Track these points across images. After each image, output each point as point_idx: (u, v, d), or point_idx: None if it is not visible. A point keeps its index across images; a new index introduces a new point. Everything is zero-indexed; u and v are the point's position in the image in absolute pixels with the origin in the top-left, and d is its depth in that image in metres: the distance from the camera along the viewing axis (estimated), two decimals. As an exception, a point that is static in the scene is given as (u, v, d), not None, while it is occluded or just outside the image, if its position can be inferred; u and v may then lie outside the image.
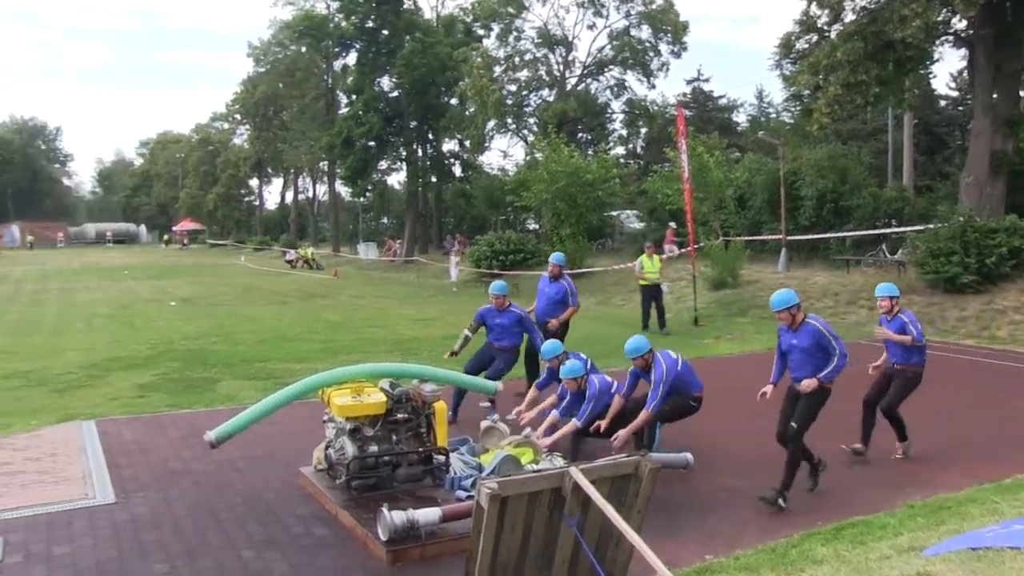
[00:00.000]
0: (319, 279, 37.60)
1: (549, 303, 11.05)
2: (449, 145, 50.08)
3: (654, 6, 41.77)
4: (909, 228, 22.12)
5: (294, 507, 6.87)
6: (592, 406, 7.80)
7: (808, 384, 6.92)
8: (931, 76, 33.87)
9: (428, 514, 5.82)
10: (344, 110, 51.38)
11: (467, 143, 46.96)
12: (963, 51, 22.11)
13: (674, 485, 7.17)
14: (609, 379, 8.11)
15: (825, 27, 21.49)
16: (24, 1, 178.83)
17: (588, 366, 8.46)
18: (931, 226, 19.53)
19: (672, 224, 27.93)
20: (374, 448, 6.87)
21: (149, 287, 32.13)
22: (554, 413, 8.23)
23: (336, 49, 50.95)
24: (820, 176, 25.85)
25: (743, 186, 28.31)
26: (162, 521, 6.55)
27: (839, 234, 24.57)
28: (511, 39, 43.94)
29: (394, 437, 7.01)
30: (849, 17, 20.80)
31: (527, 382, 10.44)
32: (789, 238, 24.36)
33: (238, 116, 76.53)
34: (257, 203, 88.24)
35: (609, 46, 44.03)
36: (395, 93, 46.38)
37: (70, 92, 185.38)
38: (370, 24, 45.99)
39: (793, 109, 41.41)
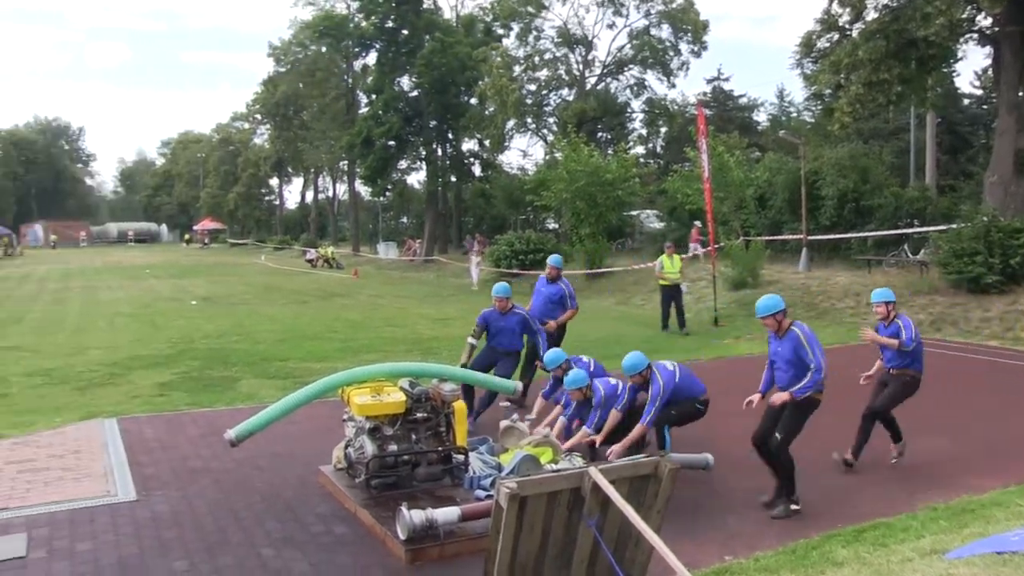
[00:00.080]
0: (339, 278, 37.72)
1: (546, 304, 10.90)
2: (469, 145, 50.14)
3: (674, 5, 41.68)
4: (932, 228, 21.92)
5: (313, 505, 6.89)
6: (600, 414, 7.75)
7: (778, 398, 6.79)
8: (955, 74, 33.61)
9: (447, 513, 5.82)
10: (364, 110, 51.53)
11: (487, 143, 46.96)
12: (988, 49, 21.84)
13: (694, 486, 7.15)
14: (614, 382, 8.04)
15: (847, 25, 21.35)
16: (50, 3, 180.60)
17: (591, 368, 8.43)
18: (954, 226, 19.34)
19: (697, 223, 27.81)
20: (393, 447, 6.88)
21: (170, 286, 32.34)
22: (561, 419, 8.20)
23: (356, 49, 51.07)
24: (841, 176, 25.69)
25: (763, 186, 28.17)
26: (182, 519, 6.59)
27: (860, 234, 24.40)
28: (531, 39, 44.00)
29: (413, 436, 7.02)
30: (871, 15, 20.65)
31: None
32: (810, 238, 24.22)
33: (259, 116, 76.93)
34: (277, 203, 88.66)
35: (629, 45, 43.97)
36: (415, 93, 46.46)
37: (93, 92, 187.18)
38: (390, 24, 46.06)
39: (814, 108, 41.23)
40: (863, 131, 31.45)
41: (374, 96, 47.75)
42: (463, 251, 43.36)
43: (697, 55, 43.03)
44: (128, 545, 6.04)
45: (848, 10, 20.96)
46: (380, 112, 45.28)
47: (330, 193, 77.45)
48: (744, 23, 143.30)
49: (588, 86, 44.43)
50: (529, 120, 45.69)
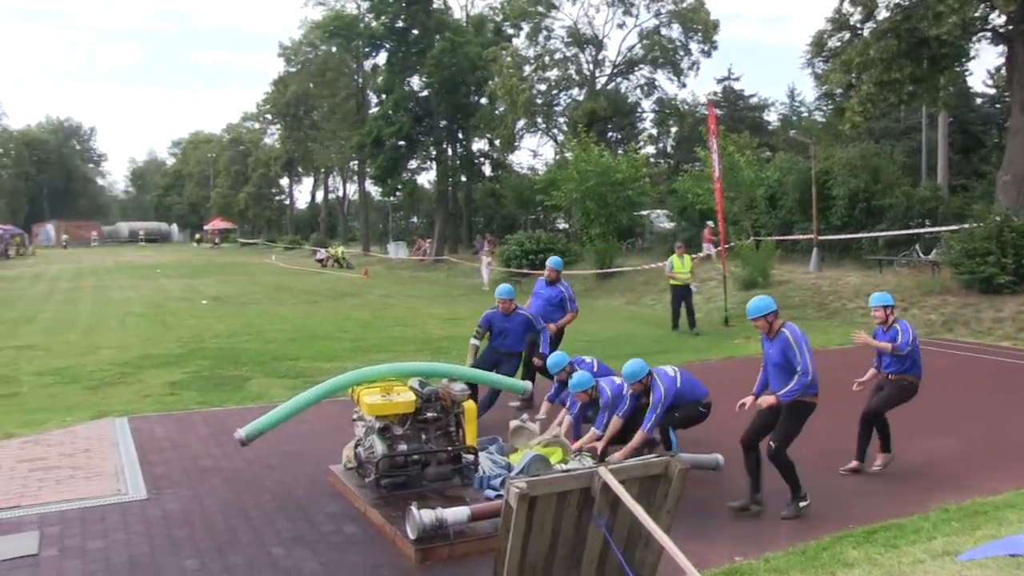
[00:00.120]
0: (349, 278, 37.78)
1: (546, 307, 10.67)
2: (479, 144, 50.15)
3: (684, 5, 41.61)
4: (943, 228, 21.80)
5: (323, 505, 6.90)
6: (609, 414, 7.73)
7: (764, 401, 6.73)
8: (967, 73, 33.41)
9: (457, 513, 5.82)
10: (374, 109, 51.60)
11: (497, 142, 46.95)
12: (1001, 47, 21.68)
13: (704, 486, 7.12)
14: (619, 381, 8.02)
15: (858, 25, 21.26)
16: (60, 3, 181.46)
17: (595, 369, 8.41)
18: (966, 226, 19.24)
19: (710, 223, 27.75)
20: (403, 447, 6.89)
21: (181, 286, 32.45)
22: (567, 418, 8.18)
23: (366, 49, 51.14)
24: (852, 175, 25.60)
25: (774, 185, 28.10)
26: (193, 517, 6.61)
27: (872, 234, 24.30)
28: (541, 38, 43.99)
29: (423, 436, 7.02)
30: (882, 14, 20.55)
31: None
32: (821, 238, 24.14)
33: (269, 116, 77.17)
34: (288, 202, 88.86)
35: (639, 45, 43.91)
36: (425, 93, 46.49)
37: (104, 93, 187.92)
38: (400, 24, 46.12)
39: (825, 108, 41.09)
40: (874, 130, 31.32)
41: (384, 96, 47.83)
42: (473, 251, 43.38)
43: (707, 55, 42.98)
44: (139, 544, 6.06)
45: (859, 9, 20.87)
46: (390, 112, 45.33)
47: (340, 193, 77.74)
48: (755, 22, 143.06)
49: (598, 86, 44.38)
50: (539, 120, 45.68)
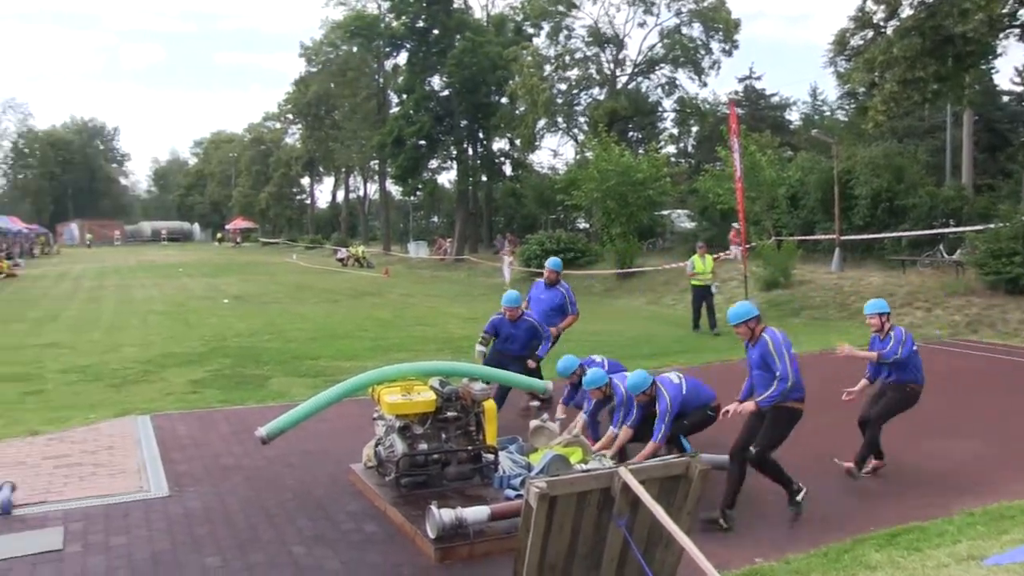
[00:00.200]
0: (370, 277, 37.89)
1: (548, 309, 10.38)
2: (499, 144, 50.17)
3: (705, 4, 41.43)
4: (968, 228, 21.57)
5: (344, 503, 6.91)
6: (625, 412, 7.69)
7: (743, 408, 6.62)
8: (993, 71, 33.07)
9: (477, 512, 5.82)
10: (395, 109, 51.72)
11: (517, 142, 46.96)
12: (1028, 44, 21.44)
13: (724, 487, 7.07)
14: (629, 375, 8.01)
15: (881, 23, 21.05)
16: (85, 5, 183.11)
17: (606, 367, 8.37)
18: (992, 226, 19.04)
19: (735, 225, 27.58)
20: (423, 446, 6.90)
21: (203, 285, 32.65)
22: (582, 416, 8.16)
23: (387, 49, 51.30)
24: (875, 175, 25.39)
25: (796, 185, 27.92)
26: (214, 515, 6.64)
27: (895, 234, 24.09)
28: (561, 38, 43.91)
29: (443, 435, 7.03)
30: (906, 12, 20.33)
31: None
32: (843, 238, 23.96)
33: (290, 116, 77.43)
34: (309, 202, 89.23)
35: (660, 44, 43.75)
36: (445, 92, 46.58)
37: (127, 93, 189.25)
38: (421, 24, 46.23)
39: (848, 107, 40.81)
40: (897, 130, 31.07)
41: (405, 96, 47.96)
42: (494, 250, 43.41)
43: (728, 54, 42.76)
44: (161, 540, 6.10)
45: (883, 7, 20.67)
46: (411, 112, 45.45)
47: (361, 192, 77.94)
48: (777, 21, 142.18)
49: (619, 85, 44.27)
50: (560, 119, 45.65)
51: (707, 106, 45.27)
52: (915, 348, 7.63)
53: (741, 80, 48.27)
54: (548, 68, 42.82)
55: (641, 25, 43.60)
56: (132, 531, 6.28)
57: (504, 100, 45.60)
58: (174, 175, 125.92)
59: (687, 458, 4.90)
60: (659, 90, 46.25)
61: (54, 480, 7.47)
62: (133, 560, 5.76)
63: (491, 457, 7.06)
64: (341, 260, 48.04)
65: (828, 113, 46.41)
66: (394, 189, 58.41)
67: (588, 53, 44.37)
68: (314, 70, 64.62)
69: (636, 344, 15.65)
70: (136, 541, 6.08)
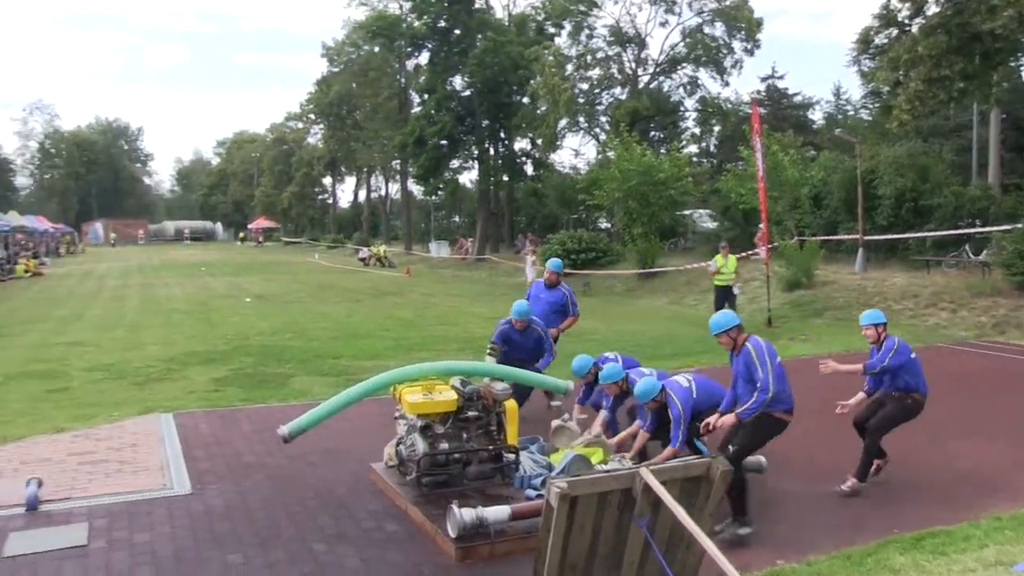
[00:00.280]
0: (391, 277, 38.00)
1: (549, 311, 10.21)
2: (521, 144, 50.15)
3: (727, 3, 41.28)
4: (995, 228, 21.33)
5: (365, 502, 6.93)
6: (640, 410, 7.65)
7: (725, 421, 6.48)
8: (1022, 68, 32.62)
9: (497, 512, 5.82)
10: (416, 109, 51.86)
11: (539, 142, 46.93)
12: (1060, 41, 21.07)
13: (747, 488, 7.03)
14: (647, 371, 7.96)
15: (906, 21, 20.83)
16: (110, 7, 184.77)
17: (620, 362, 8.32)
18: (1020, 226, 18.82)
19: (761, 227, 27.32)
20: (445, 445, 6.90)
21: (225, 284, 32.85)
22: (603, 412, 8.14)
23: (409, 49, 51.39)
24: (899, 175, 25.16)
25: (819, 185, 27.73)
26: (236, 513, 6.68)
27: (919, 234, 23.85)
28: (583, 37, 43.89)
29: (464, 435, 7.03)
30: (932, 9, 20.10)
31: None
32: (866, 238, 23.77)
33: (312, 116, 77.83)
34: (331, 201, 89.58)
35: (682, 43, 43.64)
36: (467, 92, 46.63)
37: (151, 94, 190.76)
38: (442, 24, 46.30)
39: (872, 106, 40.48)
40: (922, 129, 30.76)
41: (426, 95, 48.05)
42: (515, 250, 43.41)
43: (751, 53, 42.58)
44: (184, 537, 6.14)
45: (908, 5, 20.46)
46: (432, 111, 45.52)
47: (383, 192, 78.09)
48: (800, 19, 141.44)
49: (641, 84, 44.17)
50: (581, 119, 45.56)
51: (729, 106, 45.10)
52: (913, 357, 7.31)
53: (763, 79, 48.06)
54: (570, 68, 42.78)
55: (663, 24, 43.55)
56: (155, 528, 6.33)
57: (525, 100, 45.57)
58: (197, 175, 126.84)
59: (708, 459, 4.88)
60: (681, 90, 46.18)
61: (79, 477, 7.55)
62: (156, 556, 5.80)
63: (512, 457, 7.05)
64: (363, 260, 48.19)
65: (852, 112, 46.09)
66: (416, 189, 58.59)
67: (610, 52, 44.33)
68: (336, 70, 64.93)
69: (658, 344, 15.60)
70: (159, 538, 6.13)
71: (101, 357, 14.59)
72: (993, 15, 17.93)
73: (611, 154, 31.74)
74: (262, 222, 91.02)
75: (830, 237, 26.22)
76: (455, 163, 50.92)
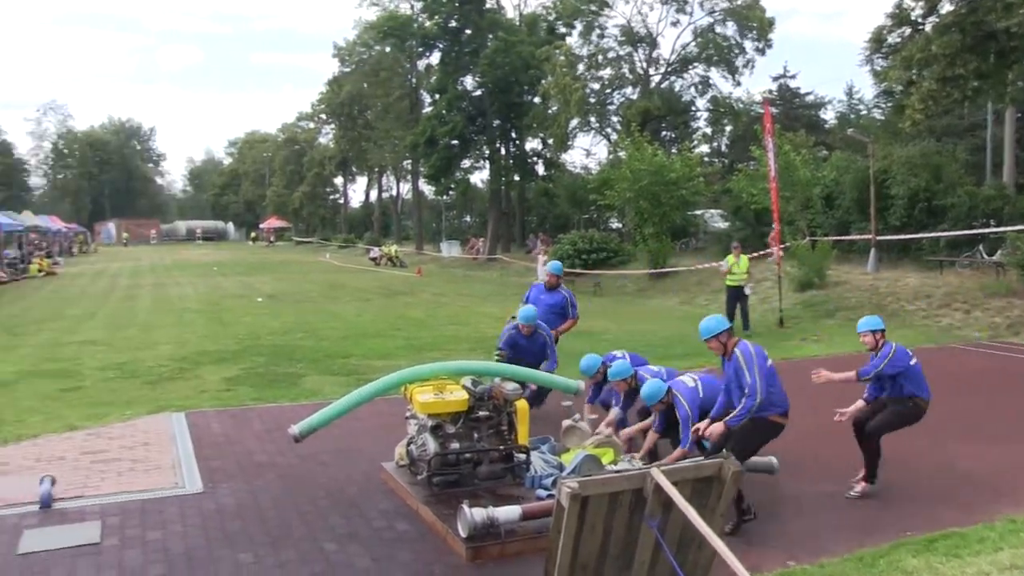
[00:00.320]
0: (402, 277, 38.05)
1: (549, 313, 10.13)
2: (532, 144, 50.15)
3: (739, 2, 41.20)
4: (1010, 228, 21.18)
5: (376, 502, 6.94)
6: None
7: (713, 429, 6.41)
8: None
9: (508, 512, 5.81)
10: (428, 109, 51.93)
11: (550, 141, 46.93)
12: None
13: (758, 489, 7.01)
14: (656, 369, 7.95)
15: (919, 19, 20.72)
16: (123, 8, 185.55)
17: (628, 360, 8.30)
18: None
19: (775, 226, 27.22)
20: (455, 445, 6.90)
21: (237, 283, 32.95)
22: (615, 410, 8.13)
23: (420, 49, 51.46)
24: (912, 174, 25.04)
25: (831, 185, 27.64)
26: (247, 512, 6.69)
27: (932, 234, 23.72)
28: (594, 37, 43.91)
29: (475, 434, 7.03)
30: (946, 8, 19.97)
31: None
32: (879, 238, 23.67)
33: (324, 116, 78.09)
34: (342, 201, 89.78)
35: (693, 43, 43.59)
36: (478, 92, 46.64)
37: (164, 94, 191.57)
38: (453, 24, 46.34)
39: (884, 105, 40.32)
40: (935, 128, 30.60)
41: (438, 95, 48.10)
42: (526, 250, 43.41)
43: (762, 52, 42.52)
44: (195, 536, 6.16)
45: (921, 3, 20.34)
46: (444, 111, 45.56)
47: (394, 192, 78.26)
48: (812, 19, 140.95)
49: (652, 84, 44.12)
50: (592, 119, 45.56)
51: (741, 105, 45.04)
52: (912, 363, 7.13)
53: (775, 79, 47.95)
54: (581, 67, 42.79)
55: (674, 24, 43.47)
56: (167, 526, 6.35)
57: (537, 100, 45.59)
58: (209, 175, 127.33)
59: (720, 459, 4.86)
60: (692, 89, 46.13)
61: (92, 475, 7.58)
62: (168, 554, 5.82)
63: (523, 457, 7.05)
64: (374, 259, 48.31)
65: (864, 112, 45.89)
66: (427, 189, 58.66)
67: (621, 52, 44.30)
68: (347, 70, 65.09)
69: (669, 344, 15.57)
70: (171, 536, 6.15)
71: (114, 356, 14.65)
72: (1009, 13, 17.80)
73: (622, 154, 31.71)
74: (274, 222, 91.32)
75: (842, 237, 26.12)
76: (466, 163, 50.96)
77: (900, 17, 20.96)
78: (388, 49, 55.76)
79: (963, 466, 7.78)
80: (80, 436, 9.00)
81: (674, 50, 44.54)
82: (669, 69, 44.90)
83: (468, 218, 69.52)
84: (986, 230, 22.82)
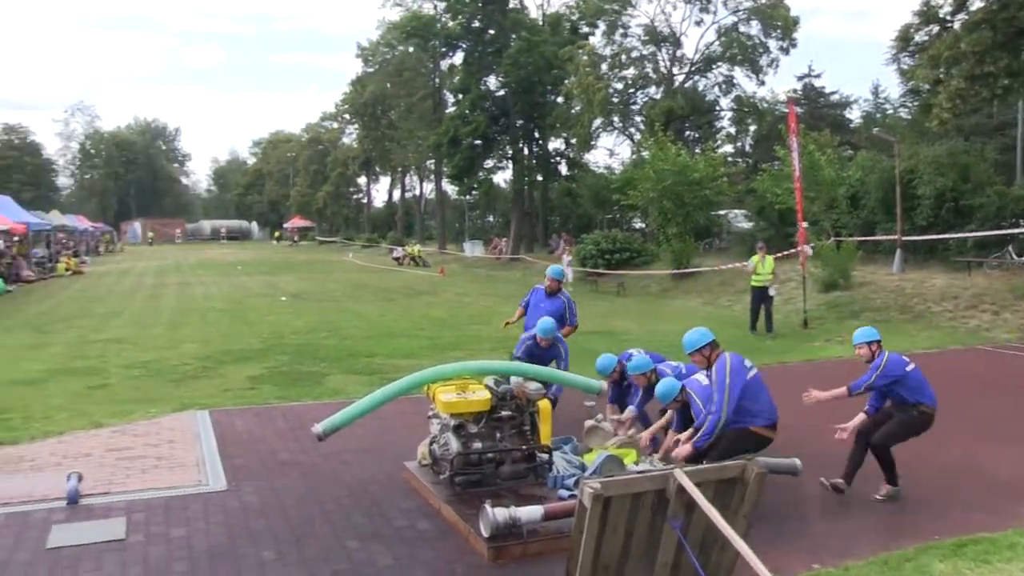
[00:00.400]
0: (425, 276, 38.12)
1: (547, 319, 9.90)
2: (555, 143, 50.16)
3: (763, 1, 40.89)
4: (1040, 228, 20.91)
5: (398, 501, 6.95)
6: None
7: (680, 452, 6.32)
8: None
9: (530, 512, 5.80)
10: (451, 109, 52.02)
11: (573, 141, 46.86)
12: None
13: (781, 490, 6.96)
14: (675, 363, 7.90)
15: (948, 17, 20.49)
16: (149, 10, 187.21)
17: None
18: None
19: (804, 224, 26.89)
20: (478, 445, 6.90)
21: (261, 282, 33.14)
22: (631, 408, 8.10)
23: (443, 49, 51.59)
24: (939, 174, 24.75)
25: (856, 185, 27.40)
26: (270, 510, 6.73)
27: (960, 235, 23.44)
28: (617, 36, 43.75)
29: (498, 434, 7.02)
30: (976, 4, 19.73)
31: None
32: (905, 238, 23.44)
33: (347, 116, 78.44)
34: (365, 201, 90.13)
35: (717, 42, 43.33)
36: (501, 92, 46.67)
37: (189, 94, 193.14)
38: (476, 24, 46.40)
39: (911, 104, 39.94)
40: (964, 127, 30.28)
41: (461, 95, 48.19)
42: (549, 250, 43.37)
43: (786, 52, 42.16)
44: (219, 533, 6.20)
45: (950, 1, 20.12)
46: (467, 111, 45.62)
47: (417, 192, 78.47)
48: (837, 17, 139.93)
49: (676, 84, 43.92)
50: (616, 119, 45.44)
51: (765, 105, 44.75)
52: (908, 370, 6.94)
53: (800, 78, 47.60)
54: (604, 67, 42.64)
55: (698, 23, 43.22)
56: (191, 523, 6.40)
57: (560, 99, 45.55)
58: (233, 174, 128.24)
59: (743, 461, 4.83)
60: (716, 89, 45.83)
61: (117, 472, 7.65)
62: (193, 551, 5.86)
63: (545, 457, 7.04)
64: (397, 259, 48.43)
65: (890, 111, 45.47)
66: (450, 188, 58.82)
67: (644, 52, 44.11)
68: (371, 70, 65.33)
69: (692, 345, 15.47)
70: (195, 533, 6.20)
71: (139, 354, 14.78)
72: (1042, 9, 17.57)
73: (646, 154, 31.64)
74: (297, 221, 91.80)
75: (867, 238, 25.89)
76: (489, 163, 51.02)
77: (928, 14, 20.75)
78: (411, 49, 55.93)
79: (992, 469, 7.68)
80: (106, 433, 9.09)
81: (698, 49, 44.33)
82: (693, 68, 44.68)
83: (491, 218, 69.56)
84: (1016, 230, 22.51)
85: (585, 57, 41.35)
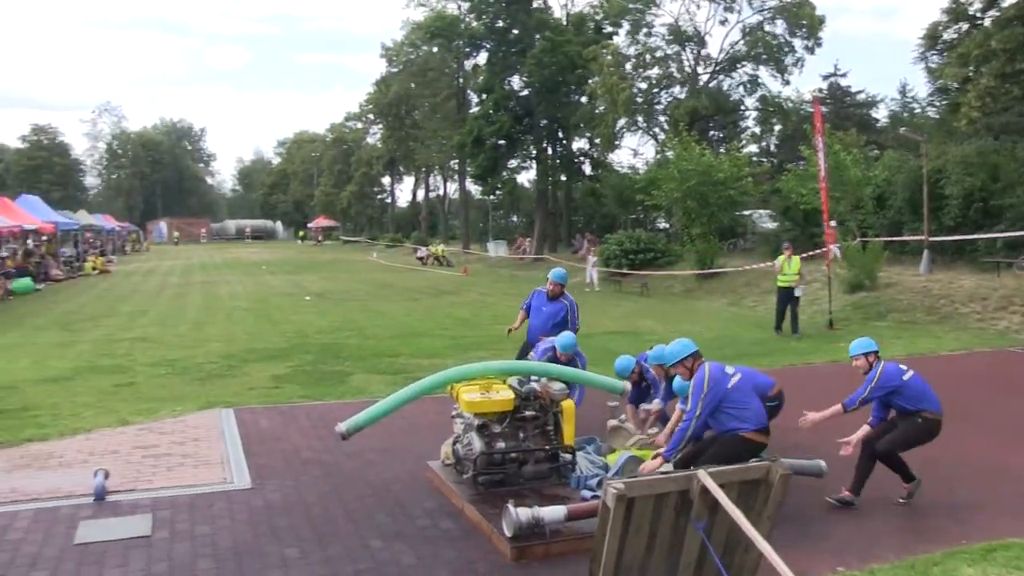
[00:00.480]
0: (449, 276, 38.19)
1: (548, 322, 9.77)
2: (579, 143, 50.05)
3: (788, 0, 40.59)
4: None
5: (421, 500, 6.96)
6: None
7: (647, 466, 6.28)
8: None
9: (553, 512, 5.80)
10: (475, 109, 52.06)
11: (597, 141, 46.75)
12: None
13: (806, 492, 6.90)
14: None
15: (978, 14, 20.28)
16: (174, 11, 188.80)
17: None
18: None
19: (833, 223, 26.58)
20: (501, 444, 6.90)
21: (285, 282, 33.33)
22: (657, 402, 8.07)
23: (467, 49, 51.68)
24: (968, 174, 24.45)
25: (882, 185, 27.14)
26: (294, 508, 6.76)
27: (989, 235, 23.14)
28: (641, 36, 43.53)
29: (521, 434, 7.02)
30: (1008, 1, 19.49)
31: None
32: (932, 239, 23.19)
33: (371, 116, 78.72)
34: (389, 201, 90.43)
35: (742, 41, 43.03)
36: (525, 92, 46.68)
37: (214, 95, 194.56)
38: (500, 24, 46.43)
39: (939, 103, 39.50)
40: (993, 126, 29.84)
41: (484, 95, 48.23)
42: (572, 250, 43.30)
43: (812, 51, 41.78)
44: (243, 531, 6.24)
45: (980, -1, 19.91)
46: (491, 111, 45.67)
47: (441, 191, 78.64)
48: (863, 16, 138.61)
49: (700, 83, 43.69)
50: (640, 119, 45.25)
51: (790, 104, 44.43)
52: (906, 378, 6.82)
53: (825, 77, 47.29)
54: (628, 67, 42.49)
55: (723, 22, 42.95)
56: (216, 521, 6.45)
57: (584, 99, 45.45)
58: (258, 174, 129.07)
59: (768, 462, 4.80)
60: (741, 88, 45.46)
61: (143, 469, 7.73)
62: (217, 548, 5.91)
63: (568, 457, 7.03)
64: (421, 259, 48.55)
65: (918, 110, 45.00)
66: (473, 188, 58.89)
67: (668, 51, 43.89)
68: (395, 70, 65.53)
69: (718, 346, 15.41)
70: (220, 531, 6.24)
71: (165, 353, 14.92)
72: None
73: (670, 154, 31.51)
74: (322, 221, 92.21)
75: (894, 238, 25.64)
76: (513, 163, 51.02)
77: (957, 12, 20.57)
78: (435, 49, 56.02)
79: (1021, 473, 7.58)
80: (132, 431, 9.17)
81: (722, 49, 44.06)
82: (717, 68, 44.42)
83: (515, 218, 69.49)
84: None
85: (609, 57, 41.25)
